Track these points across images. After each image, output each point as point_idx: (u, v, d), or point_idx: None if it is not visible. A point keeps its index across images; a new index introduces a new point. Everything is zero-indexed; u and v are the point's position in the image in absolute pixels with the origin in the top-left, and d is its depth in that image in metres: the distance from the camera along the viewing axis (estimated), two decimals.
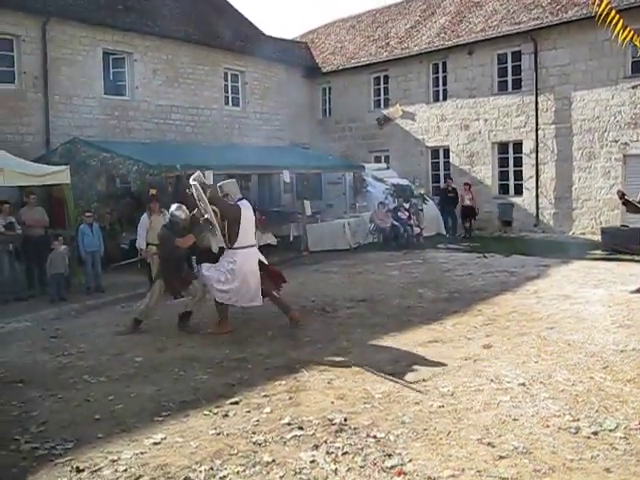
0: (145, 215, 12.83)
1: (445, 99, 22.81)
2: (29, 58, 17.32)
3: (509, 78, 21.12)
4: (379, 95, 25.11)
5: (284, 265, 16.24)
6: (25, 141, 17.09)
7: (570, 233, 19.38)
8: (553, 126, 19.96)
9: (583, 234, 19.04)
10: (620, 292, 10.43)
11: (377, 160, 24.66)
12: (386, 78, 24.63)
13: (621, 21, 4.94)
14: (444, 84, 22.86)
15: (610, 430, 5.21)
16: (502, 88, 21.32)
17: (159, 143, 19.50)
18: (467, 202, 20.31)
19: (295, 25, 71.35)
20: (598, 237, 16.59)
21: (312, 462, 4.82)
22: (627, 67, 18.30)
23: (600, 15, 5.01)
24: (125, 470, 4.81)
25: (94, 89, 18.73)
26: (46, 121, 17.62)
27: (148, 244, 12.35)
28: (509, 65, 21.07)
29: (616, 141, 18.65)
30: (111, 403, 6.34)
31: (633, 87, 18.00)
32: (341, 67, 25.71)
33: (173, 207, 9.45)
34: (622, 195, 10.60)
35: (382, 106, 24.78)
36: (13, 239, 12.32)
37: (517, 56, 20.71)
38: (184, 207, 9.42)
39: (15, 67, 17.21)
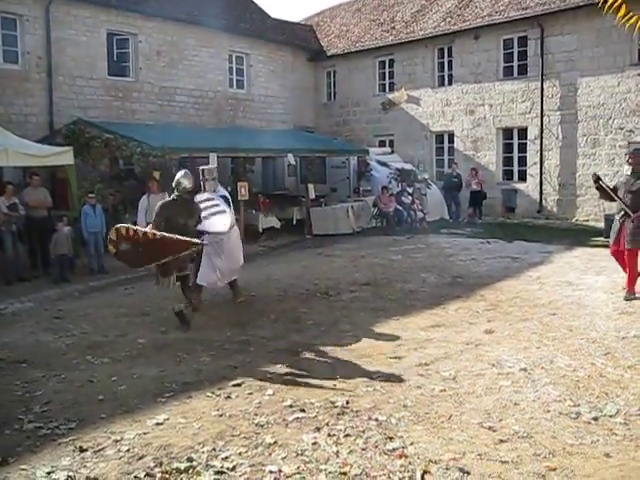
0: (144, 196, 12.83)
1: (450, 84, 22.70)
2: (32, 38, 17.23)
3: (515, 63, 20.98)
4: (384, 79, 24.99)
5: (287, 248, 16.32)
6: (29, 122, 17.06)
7: (573, 220, 19.35)
8: (558, 112, 19.87)
9: (586, 221, 19.01)
10: (622, 279, 10.42)
11: (381, 144, 24.59)
12: (391, 62, 24.50)
13: (623, 7, 4.92)
14: (449, 69, 22.73)
15: (610, 416, 5.24)
16: (508, 73, 21.20)
17: (163, 125, 19.45)
18: (474, 187, 20.28)
19: (301, 8, 70.95)
20: (601, 224, 16.54)
21: (314, 444, 4.85)
22: (634, 54, 18.16)
23: (604, 2, 4.99)
24: (128, 450, 4.85)
25: (98, 70, 18.66)
26: (50, 102, 17.56)
27: (148, 224, 12.32)
28: (515, 50, 20.92)
29: (621, 128, 18.56)
30: (114, 384, 6.38)
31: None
32: (346, 51, 25.57)
33: (180, 174, 8.59)
34: (597, 179, 9.72)
35: (387, 90, 24.68)
36: (16, 220, 12.32)
37: (523, 41, 20.56)
38: (190, 175, 8.64)
39: (18, 47, 17.12)
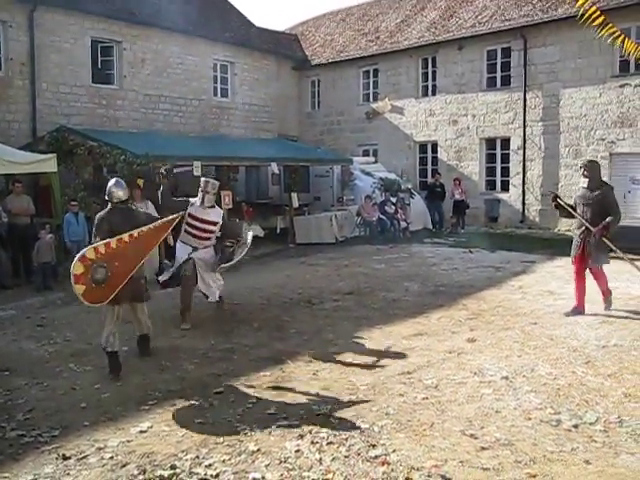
0: None
1: (434, 94, 22.85)
2: (16, 44, 17.18)
3: (498, 74, 21.17)
4: (368, 89, 25.10)
5: (271, 257, 16.33)
6: (11, 129, 17.00)
7: (556, 230, 19.49)
8: (541, 123, 20.06)
9: (568, 231, 18.99)
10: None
11: (365, 154, 24.69)
12: (375, 72, 24.63)
13: (601, 18, 5.01)
14: (433, 79, 22.88)
15: (590, 423, 5.30)
16: (491, 84, 21.39)
17: (147, 133, 19.42)
18: (457, 197, 20.43)
19: (285, 17, 71.20)
20: None
21: (297, 451, 4.88)
22: (615, 66, 18.39)
23: (582, 15, 5.09)
24: (111, 458, 4.85)
25: (82, 77, 18.63)
26: (33, 109, 17.52)
27: None
28: (498, 61, 21.12)
29: (603, 139, 18.77)
30: (97, 392, 6.37)
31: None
32: (331, 60, 25.68)
33: (111, 182, 7.41)
34: (555, 197, 9.38)
35: (371, 100, 24.80)
36: None
37: (507, 52, 20.76)
38: (124, 184, 7.47)
39: (1, 53, 17.07)
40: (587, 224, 8.81)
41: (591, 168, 9.06)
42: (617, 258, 9.13)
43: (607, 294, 9.20)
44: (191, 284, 9.08)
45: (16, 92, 17.23)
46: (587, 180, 9.01)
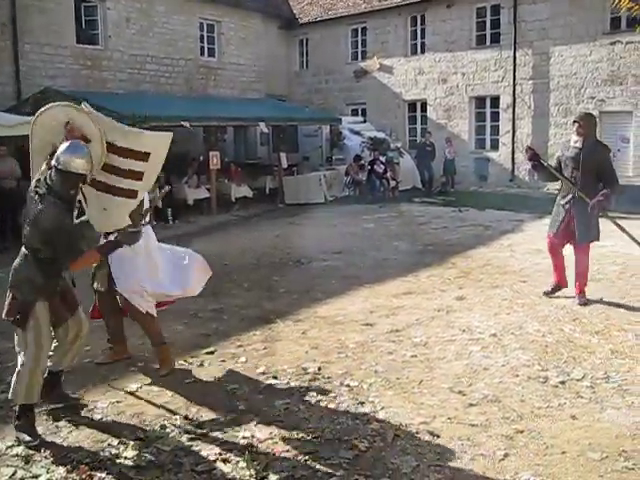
0: None
1: (423, 52, 22.62)
2: None
3: (488, 32, 20.96)
4: (357, 47, 24.84)
5: (260, 217, 16.31)
6: None
7: (545, 189, 19.46)
8: (531, 81, 19.93)
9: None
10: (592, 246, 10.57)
11: (354, 113, 24.52)
12: (364, 30, 24.34)
13: None
14: (422, 37, 22.63)
15: (577, 380, 5.35)
16: (480, 42, 21.19)
17: (134, 94, 19.17)
18: (448, 155, 20.39)
19: None
20: None
21: (286, 409, 4.91)
22: (606, 23, 18.24)
23: None
24: (101, 419, 4.86)
25: (66, 37, 18.28)
26: (16, 70, 17.19)
27: None
28: (488, 19, 20.90)
29: (593, 97, 18.68)
30: (87, 353, 6.33)
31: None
32: (319, 18, 25.33)
33: (62, 147, 4.71)
34: (533, 155, 7.66)
35: (360, 59, 24.56)
36: None
37: (496, 10, 20.53)
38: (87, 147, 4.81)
39: None
40: (580, 192, 7.31)
41: (587, 123, 7.48)
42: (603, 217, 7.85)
43: (584, 284, 7.64)
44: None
45: None
46: (580, 138, 7.40)
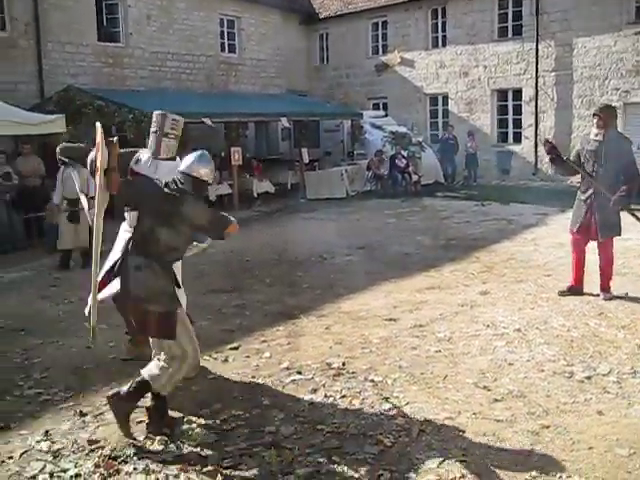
0: (62, 167, 10.60)
1: (444, 45, 22.48)
2: (20, 4, 16.89)
3: (510, 24, 20.78)
4: (377, 41, 24.73)
5: (282, 213, 16.34)
6: (18, 90, 16.83)
7: (568, 182, 19.27)
8: (553, 73, 19.75)
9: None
10: (616, 240, 10.48)
11: (375, 107, 24.46)
12: (384, 24, 24.22)
13: None
14: (443, 30, 22.49)
15: (603, 375, 5.30)
16: (502, 34, 21.01)
17: (155, 91, 19.26)
18: (470, 150, 20.29)
19: None
20: None
21: (310, 405, 4.92)
22: (631, 13, 17.99)
23: None
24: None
25: (87, 36, 18.40)
26: (39, 69, 17.34)
27: (63, 198, 10.64)
28: (510, 10, 20.69)
29: (617, 89, 18.47)
30: (112, 349, 6.41)
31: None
32: (339, 12, 25.23)
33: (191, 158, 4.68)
34: (551, 148, 7.50)
35: (380, 53, 24.46)
36: (9, 189, 12.29)
37: (518, 1, 20.31)
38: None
39: (5, 13, 16.82)
40: (601, 187, 7.17)
41: (607, 115, 7.28)
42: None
43: (609, 279, 7.53)
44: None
45: (21, 52, 17.03)
46: (600, 131, 7.23)
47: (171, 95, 18.85)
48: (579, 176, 7.69)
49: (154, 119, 5.63)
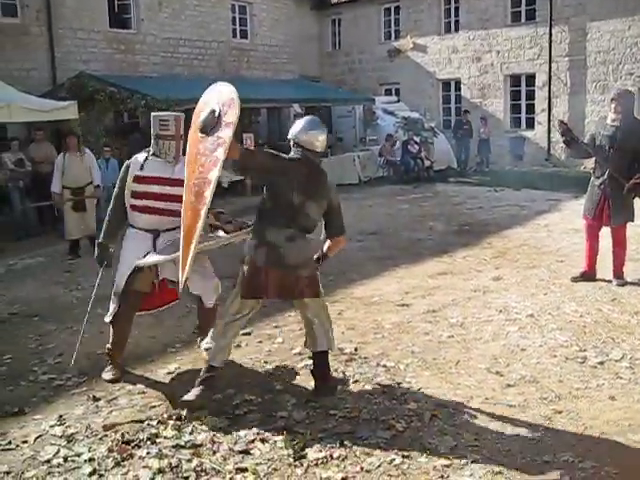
0: (61, 153, 10.64)
1: (457, 31, 22.35)
2: None
3: (523, 8, 20.62)
4: (389, 27, 24.61)
5: None
6: (30, 77, 16.87)
7: (582, 168, 19.15)
8: (567, 58, 19.58)
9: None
10: (629, 226, 10.41)
11: (387, 93, 24.36)
12: (397, 9, 24.10)
13: None
14: (456, 15, 22.36)
15: (616, 360, 5.29)
16: (515, 19, 20.86)
17: (167, 77, 19.26)
18: (483, 135, 20.18)
19: None
20: None
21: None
22: None
23: None
24: (140, 399, 4.93)
25: (99, 22, 18.39)
26: (51, 56, 17.37)
27: (64, 187, 10.46)
28: None
29: (631, 74, 18.31)
30: None
31: None
32: None
33: (302, 123, 4.93)
34: (565, 130, 7.33)
35: (393, 38, 24.34)
36: (23, 176, 12.34)
37: None
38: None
39: (17, 0, 16.88)
40: (615, 173, 7.13)
41: (625, 101, 7.24)
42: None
43: (622, 265, 7.52)
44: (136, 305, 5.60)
45: (33, 39, 17.06)
46: (617, 116, 7.17)
47: (183, 81, 18.82)
48: (592, 160, 7.65)
49: (153, 122, 5.42)
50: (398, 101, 23.05)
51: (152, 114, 5.56)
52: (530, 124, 20.98)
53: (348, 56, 25.77)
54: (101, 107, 15.18)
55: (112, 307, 5.54)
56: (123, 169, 5.43)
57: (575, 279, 7.62)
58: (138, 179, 5.28)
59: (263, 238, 4.71)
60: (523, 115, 21.28)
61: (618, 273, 7.49)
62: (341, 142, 20.87)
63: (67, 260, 10.22)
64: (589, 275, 7.62)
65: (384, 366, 5.32)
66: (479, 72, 21.84)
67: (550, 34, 19.72)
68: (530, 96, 20.92)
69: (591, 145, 7.41)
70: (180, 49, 20.48)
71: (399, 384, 4.97)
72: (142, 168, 5.31)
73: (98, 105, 15.10)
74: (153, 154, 5.36)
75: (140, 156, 5.41)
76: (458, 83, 22.68)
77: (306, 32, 25.35)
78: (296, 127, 4.90)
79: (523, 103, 21.23)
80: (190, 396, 4.65)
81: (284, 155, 4.87)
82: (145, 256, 5.20)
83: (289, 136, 4.91)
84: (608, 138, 7.22)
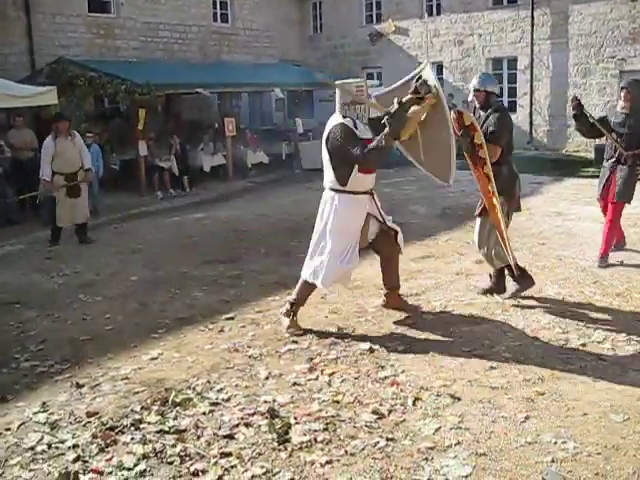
0: (50, 138, 10.21)
1: (439, 14, 22.24)
2: None
3: None
4: (371, 10, 24.46)
5: (276, 183, 16.28)
6: (9, 62, 16.66)
7: (564, 151, 19.27)
8: (549, 41, 19.58)
9: (577, 152, 18.91)
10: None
11: (369, 77, 24.22)
12: None
13: None
14: None
15: (598, 342, 5.33)
16: (497, 2, 20.77)
17: (147, 62, 19.07)
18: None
19: None
20: (592, 155, 16.48)
21: (306, 374, 4.92)
22: None
23: None
24: (124, 385, 4.91)
25: (78, 6, 18.16)
26: (30, 41, 17.15)
27: (55, 173, 10.15)
28: None
29: (613, 57, 18.33)
30: (108, 321, 6.42)
31: (632, 0, 17.57)
32: None
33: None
34: (578, 104, 7.48)
35: (374, 21, 24.22)
36: (2, 162, 12.21)
37: None
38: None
39: None
40: (621, 148, 7.45)
41: (635, 90, 7.47)
42: None
43: (608, 245, 7.71)
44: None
45: (10, 24, 16.80)
46: (627, 104, 7.44)
47: (164, 66, 18.68)
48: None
49: (354, 89, 5.95)
50: (380, 85, 22.97)
51: (341, 81, 6.16)
52: (512, 107, 20.92)
53: (330, 40, 25.61)
54: (81, 92, 15.02)
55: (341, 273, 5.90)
56: (345, 129, 5.94)
57: (601, 265, 7.54)
58: (363, 141, 5.76)
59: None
60: (505, 98, 21.23)
61: (603, 254, 7.60)
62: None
63: (47, 247, 10.13)
64: (618, 245, 7.99)
65: (368, 349, 5.33)
66: (461, 55, 21.80)
67: (532, 17, 19.68)
68: (512, 79, 20.91)
69: (606, 126, 7.59)
70: (160, 33, 20.29)
71: (383, 367, 4.98)
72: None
73: (78, 90, 14.94)
74: (350, 118, 5.87)
75: (345, 120, 5.96)
76: (440, 67, 22.63)
77: (287, 16, 25.19)
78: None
79: (505, 86, 21.18)
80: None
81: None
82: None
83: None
84: (618, 125, 7.55)
